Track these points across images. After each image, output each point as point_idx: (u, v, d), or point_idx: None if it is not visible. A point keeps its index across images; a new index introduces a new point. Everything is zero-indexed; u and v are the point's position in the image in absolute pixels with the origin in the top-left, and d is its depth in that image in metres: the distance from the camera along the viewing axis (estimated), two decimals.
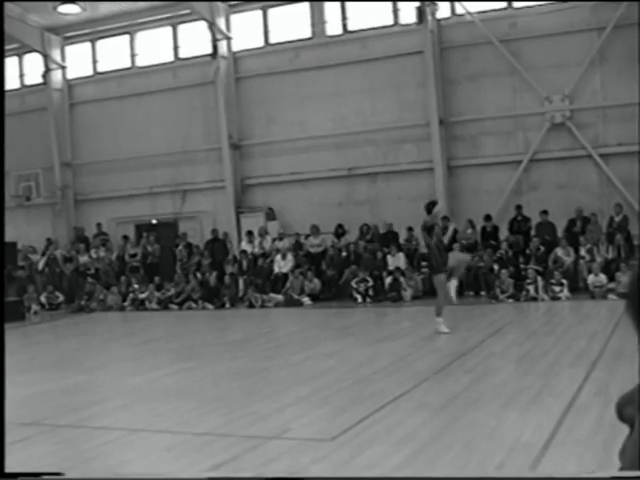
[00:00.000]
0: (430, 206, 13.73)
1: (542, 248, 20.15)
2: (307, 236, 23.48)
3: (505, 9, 22.65)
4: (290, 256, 22.43)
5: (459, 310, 17.53)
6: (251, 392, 9.70)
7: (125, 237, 26.23)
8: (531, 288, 18.49)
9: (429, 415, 7.73)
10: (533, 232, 21.12)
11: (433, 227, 13.66)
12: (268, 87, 25.41)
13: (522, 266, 19.92)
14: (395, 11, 23.86)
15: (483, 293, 19.72)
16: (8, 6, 26.00)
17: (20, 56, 29.90)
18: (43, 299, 23.92)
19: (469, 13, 22.78)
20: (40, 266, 25.91)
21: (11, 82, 30.24)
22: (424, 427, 7.28)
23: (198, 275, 22.91)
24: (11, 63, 30.28)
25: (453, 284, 14.22)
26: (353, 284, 20.68)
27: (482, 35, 22.45)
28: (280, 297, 21.15)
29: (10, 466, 6.89)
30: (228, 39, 25.85)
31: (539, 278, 18.65)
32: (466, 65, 23.01)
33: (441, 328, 13.68)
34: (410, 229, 22.28)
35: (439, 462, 6.20)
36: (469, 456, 6.30)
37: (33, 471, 5.62)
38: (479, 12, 22.72)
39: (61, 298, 24.09)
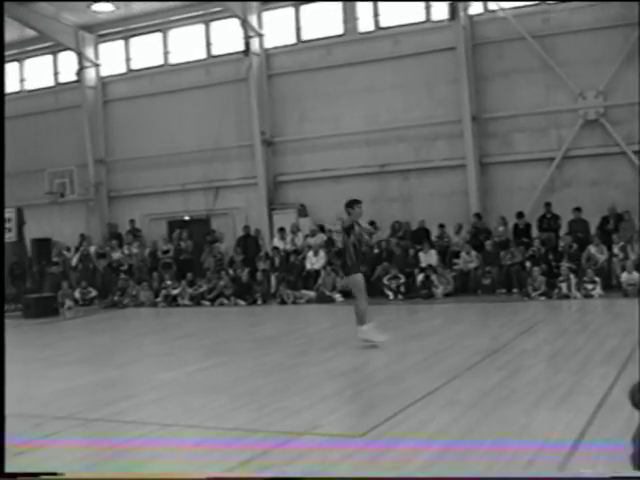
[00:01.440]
0: (351, 204, 13.04)
1: (575, 245, 20.02)
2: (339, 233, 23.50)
3: (538, 4, 22.51)
4: (322, 253, 22.45)
5: (491, 307, 17.52)
6: (282, 388, 9.74)
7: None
8: (563, 286, 18.37)
9: (459, 412, 7.72)
10: (566, 229, 20.97)
11: (352, 226, 12.93)
12: (300, 84, 25.46)
13: (554, 264, 19.80)
14: (427, 7, 23.81)
15: (515, 290, 19.61)
16: (43, 5, 26.27)
17: (54, 54, 30.24)
18: (77, 295, 24.14)
19: (502, 9, 22.67)
20: (74, 262, 26.16)
21: (46, 80, 30.57)
22: (454, 424, 7.27)
23: (230, 271, 22.99)
24: (46, 61, 30.61)
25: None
26: (385, 281, 20.67)
27: (515, 31, 22.34)
28: (312, 293, 21.19)
29: (43, 459, 7.01)
30: (260, 36, 25.92)
31: (572, 276, 18.53)
32: (498, 61, 22.91)
33: (371, 336, 12.42)
34: (442, 226, 22.27)
35: (469, 459, 6.20)
36: (499, 453, 6.29)
37: (33, 471, 5.66)
38: (512, 8, 22.61)
39: (94, 294, 24.30)
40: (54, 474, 5.55)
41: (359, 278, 13.00)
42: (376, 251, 22.33)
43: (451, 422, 7.35)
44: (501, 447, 6.47)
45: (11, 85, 31.45)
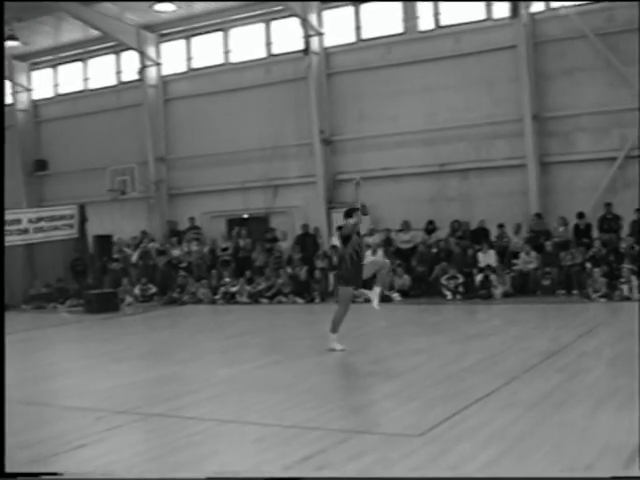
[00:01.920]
0: (350, 213, 12.72)
1: (637, 247, 19.72)
2: (398, 232, 23.47)
3: (602, 1, 22.19)
4: (380, 252, 22.42)
5: (550, 309, 17.35)
6: (340, 386, 9.80)
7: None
8: (625, 288, 18.12)
9: (518, 414, 7.68)
10: (627, 230, 20.67)
11: (350, 236, 12.60)
12: (360, 83, 25.46)
13: (615, 265, 19.52)
14: (488, 6, 23.64)
15: (575, 292, 19.38)
16: (106, 5, 26.64)
17: (117, 54, 30.67)
18: (137, 291, 24.45)
19: (564, 7, 22.41)
20: (134, 259, 26.49)
21: (108, 79, 31.01)
22: (513, 426, 7.24)
23: (289, 270, 23.09)
24: (108, 60, 31.04)
25: (376, 292, 12.97)
26: (443, 281, 20.61)
27: (577, 29, 22.06)
28: (370, 293, 21.13)
29: (104, 453, 7.13)
30: (320, 35, 25.98)
31: (633, 277, 18.26)
32: (560, 60, 22.63)
33: (334, 345, 12.35)
34: (501, 226, 22.09)
35: (527, 462, 6.16)
36: (558, 457, 6.25)
37: (33, 471, 5.75)
38: (575, 5, 22.34)
39: (154, 290, 24.57)
40: (54, 474, 5.63)
41: (349, 292, 12.80)
42: (434, 251, 22.27)
43: (510, 424, 7.32)
44: (560, 450, 6.43)
45: (75, 84, 31.98)
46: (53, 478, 5.61)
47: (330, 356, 11.93)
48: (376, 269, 12.94)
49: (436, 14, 24.47)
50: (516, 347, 12.04)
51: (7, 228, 25.01)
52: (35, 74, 33.07)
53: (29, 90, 33.00)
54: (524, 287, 20.36)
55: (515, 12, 22.57)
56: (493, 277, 20.25)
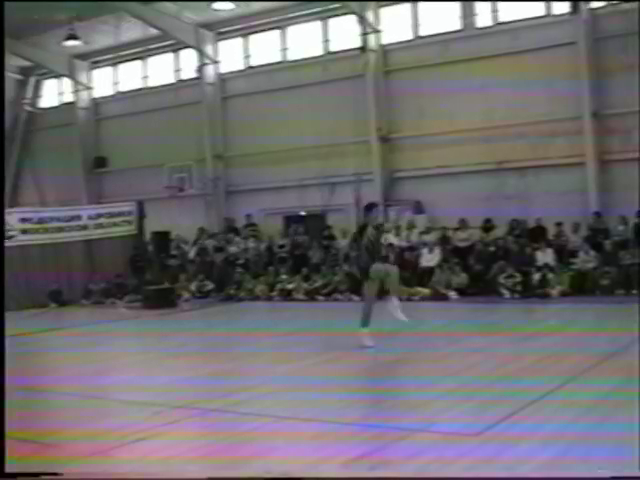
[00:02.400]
0: (369, 207, 12.63)
1: None
2: (455, 230, 23.33)
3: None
4: (437, 250, 22.34)
5: (608, 308, 17.14)
6: (397, 384, 9.79)
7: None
8: None
9: (576, 415, 7.60)
10: None
11: (365, 227, 12.45)
12: (417, 80, 25.35)
13: None
14: (547, 2, 23.38)
15: (635, 291, 19.06)
16: (164, 4, 26.93)
17: (175, 52, 30.95)
18: (194, 287, 24.66)
19: (626, 1, 22.04)
20: (191, 255, 26.71)
21: (167, 77, 31.33)
22: (571, 427, 7.17)
23: (345, 267, 23.08)
24: (167, 59, 31.36)
25: (394, 304, 12.39)
26: (500, 279, 20.44)
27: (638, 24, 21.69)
28: (426, 291, 21.10)
29: (162, 447, 7.22)
30: (377, 32, 25.95)
31: None
32: (621, 56, 22.28)
33: (364, 341, 12.31)
34: (559, 224, 21.81)
35: (585, 463, 6.08)
36: (617, 459, 6.18)
37: (33, 471, 5.80)
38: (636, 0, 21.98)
39: (211, 286, 24.76)
40: (54, 474, 5.67)
41: (374, 285, 12.69)
42: (492, 249, 22.10)
43: (568, 425, 7.25)
44: (619, 452, 6.35)
45: (134, 82, 32.36)
46: (53, 478, 5.66)
47: (387, 354, 11.93)
48: (382, 277, 12.55)
49: (494, 10, 24.28)
50: (574, 347, 11.90)
51: (67, 224, 25.50)
52: (95, 72, 33.53)
53: (89, 88, 33.47)
54: (582, 286, 20.10)
55: (575, 8, 22.31)
56: (551, 276, 20.04)
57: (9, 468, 5.51)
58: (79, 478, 6.04)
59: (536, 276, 20.28)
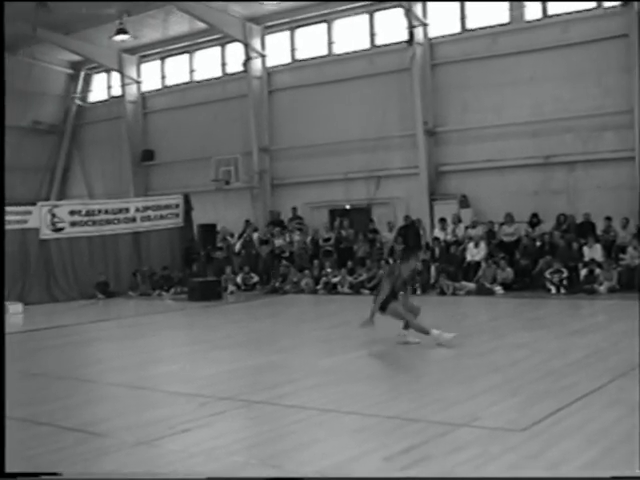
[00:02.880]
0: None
1: None
2: (501, 224, 23.16)
3: None
4: (483, 244, 22.20)
5: None
6: (441, 379, 9.75)
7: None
8: None
9: (624, 412, 7.51)
10: None
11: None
12: (464, 73, 25.21)
13: None
14: None
15: None
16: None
17: (222, 46, 31.09)
18: (239, 280, 24.76)
19: None
20: (237, 248, 26.82)
21: (214, 71, 31.47)
22: (618, 424, 7.09)
23: (390, 261, 23.04)
24: (214, 53, 31.50)
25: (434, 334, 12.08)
26: (547, 275, 20.25)
27: None
28: (472, 285, 20.99)
29: (208, 437, 7.27)
30: (424, 25, 25.83)
31: None
32: None
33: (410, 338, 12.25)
34: (608, 219, 21.54)
35: (632, 462, 6.02)
36: None
37: (33, 471, 5.82)
38: None
39: (256, 279, 24.85)
40: (54, 474, 5.70)
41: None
42: (539, 244, 21.91)
43: (615, 422, 7.17)
44: None
45: (182, 76, 32.56)
46: (53, 478, 5.70)
47: (431, 348, 11.87)
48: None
49: (543, 2, 24.01)
50: (622, 344, 11.76)
51: (115, 216, 25.76)
52: (144, 66, 33.79)
53: (138, 82, 33.74)
54: (631, 283, 19.81)
55: (627, 0, 21.99)
56: (599, 272, 19.80)
57: (9, 468, 5.55)
58: (79, 478, 6.08)
59: (583, 272, 20.05)
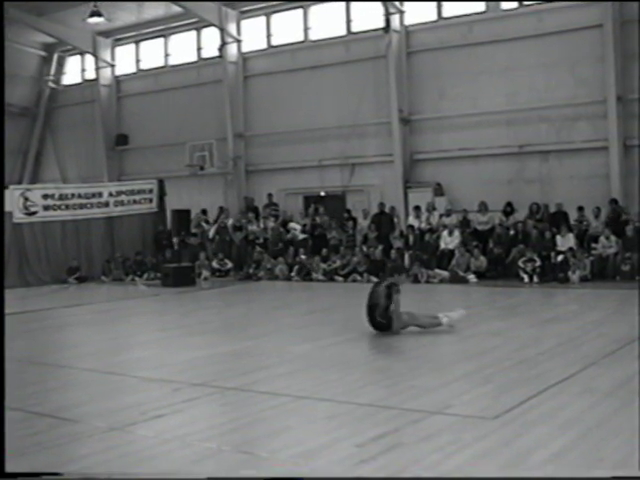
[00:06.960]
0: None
1: None
2: (475, 213, 23.25)
3: None
4: (457, 232, 22.28)
5: (630, 294, 16.99)
6: (414, 366, 9.77)
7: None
8: None
9: (595, 400, 7.57)
10: None
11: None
12: (440, 61, 25.26)
13: None
14: None
15: None
16: None
17: (198, 30, 30.93)
18: (214, 265, 24.68)
19: None
20: (211, 234, 26.73)
21: (189, 55, 31.31)
22: (590, 412, 7.14)
23: (364, 248, 23.07)
24: (189, 37, 31.34)
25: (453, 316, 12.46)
26: (520, 263, 20.34)
27: None
28: (446, 273, 21.06)
29: (182, 424, 7.24)
30: (401, 13, 25.82)
31: None
32: None
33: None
34: (581, 209, 21.70)
35: (604, 449, 6.08)
36: (636, 444, 6.13)
37: (33, 471, 5.80)
38: None
39: (230, 265, 24.78)
40: (54, 474, 5.68)
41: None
42: (512, 233, 22.02)
43: (586, 410, 7.22)
44: (638, 438, 6.30)
45: (156, 60, 32.36)
46: (53, 478, 5.67)
47: (404, 336, 11.90)
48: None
49: None
50: (594, 332, 11.86)
51: (89, 201, 25.61)
52: (118, 50, 33.54)
53: (112, 66, 33.49)
54: (603, 272, 20.00)
55: None
56: (572, 261, 19.92)
57: (9, 468, 5.51)
58: (79, 478, 6.05)
59: (558, 258, 20.13)
